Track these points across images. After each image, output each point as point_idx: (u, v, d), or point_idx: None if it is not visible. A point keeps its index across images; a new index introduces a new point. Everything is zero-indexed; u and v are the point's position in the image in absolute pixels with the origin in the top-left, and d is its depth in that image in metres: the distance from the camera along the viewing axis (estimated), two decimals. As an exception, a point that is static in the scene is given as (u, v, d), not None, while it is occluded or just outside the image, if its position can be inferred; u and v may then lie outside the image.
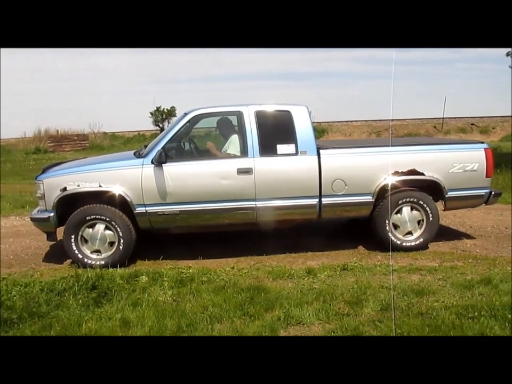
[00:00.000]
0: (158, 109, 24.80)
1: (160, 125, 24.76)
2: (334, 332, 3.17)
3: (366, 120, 25.78)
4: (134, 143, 22.71)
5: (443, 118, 23.81)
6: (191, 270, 4.44)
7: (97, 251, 4.72)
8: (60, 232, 4.83)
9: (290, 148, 4.83)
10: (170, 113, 24.94)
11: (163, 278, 4.23)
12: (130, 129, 27.02)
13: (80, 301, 3.69)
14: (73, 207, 4.68)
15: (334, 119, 25.98)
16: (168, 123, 24.36)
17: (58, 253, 5.11)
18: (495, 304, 3.40)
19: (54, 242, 5.07)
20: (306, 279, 4.23)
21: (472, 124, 23.96)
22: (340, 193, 4.87)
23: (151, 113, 24.91)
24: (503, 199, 7.07)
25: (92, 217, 4.65)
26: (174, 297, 3.81)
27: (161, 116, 24.87)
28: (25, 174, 13.06)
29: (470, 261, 4.65)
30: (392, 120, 23.73)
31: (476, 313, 3.28)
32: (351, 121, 26.26)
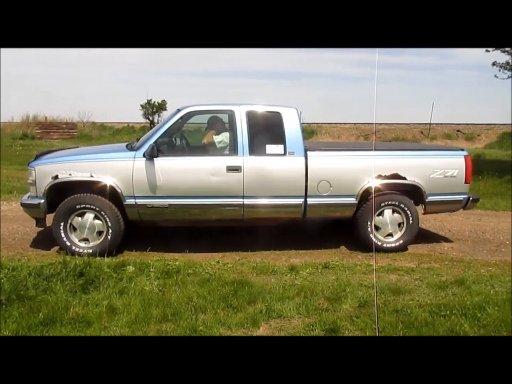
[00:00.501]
0: (148, 101, 24.67)
1: (150, 118, 24.65)
2: (312, 326, 3.30)
3: (354, 123, 26.04)
4: (123, 135, 22.64)
5: (430, 124, 24.17)
6: (177, 263, 4.55)
7: (85, 239, 4.80)
8: (49, 218, 4.90)
9: (279, 148, 4.97)
10: (161, 106, 24.83)
11: (150, 268, 4.33)
12: (120, 121, 26.90)
13: (68, 287, 3.78)
14: (63, 195, 4.75)
15: (323, 120, 26.19)
16: (159, 116, 24.28)
17: (45, 240, 5.17)
18: (466, 304, 3.58)
19: (43, 228, 5.13)
20: (288, 275, 4.36)
21: (458, 131, 24.36)
22: (324, 194, 5.02)
23: (141, 106, 24.77)
24: (481, 204, 7.33)
25: (82, 206, 4.73)
26: (160, 288, 3.92)
27: (152, 109, 24.74)
28: (12, 159, 12.99)
29: (446, 263, 4.85)
30: (378, 124, 24.05)
31: (448, 312, 3.46)
32: (340, 123, 26.50)
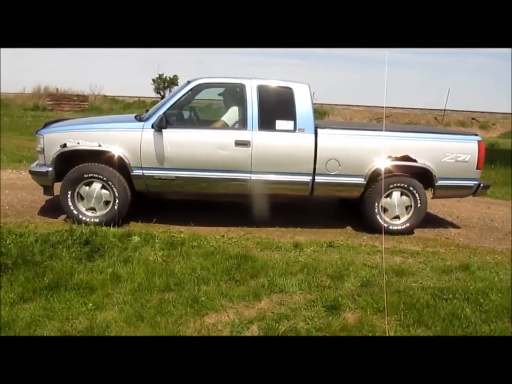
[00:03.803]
0: (160, 76, 24.58)
1: (162, 93, 24.56)
2: (314, 302, 3.32)
3: (368, 106, 25.72)
4: (134, 109, 22.54)
5: (444, 110, 23.82)
6: (182, 235, 4.57)
7: (92, 209, 4.82)
8: (57, 187, 4.93)
9: (289, 124, 4.91)
10: (173, 81, 24.75)
11: (155, 239, 4.35)
12: (131, 95, 26.81)
13: (73, 254, 3.81)
14: (71, 163, 4.76)
15: (336, 102, 25.89)
16: (170, 91, 24.14)
17: (53, 208, 5.21)
18: (469, 289, 3.57)
19: (51, 196, 5.16)
20: (293, 252, 4.37)
21: (472, 118, 24.00)
22: (333, 173, 4.97)
23: (153, 80, 24.71)
24: (492, 193, 7.26)
25: (90, 175, 4.74)
26: (164, 258, 3.95)
27: (164, 83, 24.66)
28: (23, 129, 13.03)
29: (452, 248, 4.82)
30: (391, 108, 23.73)
31: (450, 296, 3.45)
32: (353, 105, 26.19)
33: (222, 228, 5.02)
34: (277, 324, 2.97)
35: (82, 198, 4.80)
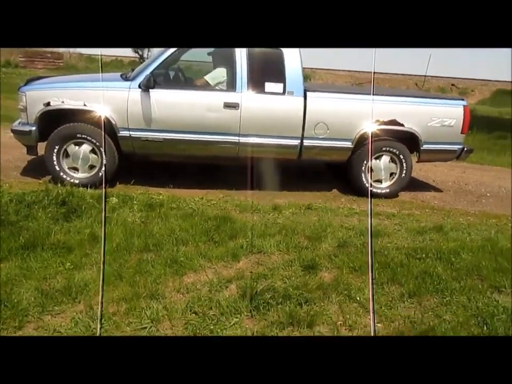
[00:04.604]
0: (138, 35, 23.73)
1: (140, 52, 23.82)
2: (291, 262, 3.38)
3: (349, 70, 25.54)
4: (111, 68, 21.87)
5: (425, 76, 23.82)
6: (161, 197, 4.54)
7: (78, 169, 4.75)
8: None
9: (278, 87, 4.86)
10: (151, 40, 23.93)
11: (133, 201, 4.31)
12: (108, 54, 25.92)
13: (50, 214, 3.76)
14: (55, 123, 4.63)
15: (317, 66, 25.60)
16: (148, 51, 23.44)
17: (28, 169, 5.10)
18: (442, 249, 3.68)
19: (34, 156, 5.02)
20: (271, 214, 4.40)
21: (452, 85, 24.16)
22: (321, 137, 4.98)
23: (130, 39, 23.84)
24: (468, 158, 7.37)
25: (76, 135, 4.63)
26: (143, 219, 3.93)
27: (141, 42, 23.86)
28: (-6, 87, 12.52)
29: (427, 210, 4.94)
30: (374, 72, 23.60)
31: (424, 255, 3.55)
32: (335, 69, 25.96)
33: (201, 190, 5.01)
34: (255, 283, 3.01)
35: (68, 158, 4.70)
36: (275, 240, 3.72)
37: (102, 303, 2.67)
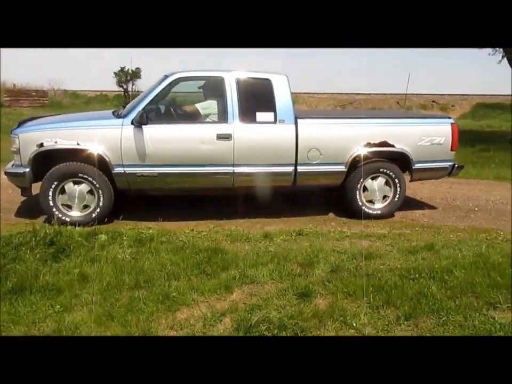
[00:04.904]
0: (122, 69, 23.92)
1: (124, 86, 23.94)
2: (285, 291, 3.35)
3: (332, 93, 25.97)
4: (96, 103, 22.04)
5: (406, 94, 24.26)
6: (150, 231, 4.50)
7: (77, 208, 4.74)
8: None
9: (269, 116, 4.95)
10: (135, 74, 24.12)
11: (122, 237, 4.27)
12: (92, 89, 26.11)
13: (38, 255, 3.70)
14: (49, 163, 4.63)
15: (300, 90, 25.99)
16: (133, 85, 23.63)
17: (14, 209, 5.05)
18: (434, 267, 3.67)
19: (27, 197, 5.01)
20: (262, 242, 4.38)
21: (433, 101, 24.63)
22: (314, 162, 5.04)
23: (115, 73, 24.00)
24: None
25: (71, 175, 4.64)
26: (133, 255, 3.89)
27: (126, 76, 24.01)
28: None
29: (417, 229, 4.95)
30: (354, 94, 24.09)
31: (417, 275, 3.54)
32: (317, 93, 26.38)
33: (191, 221, 4.98)
34: (249, 315, 2.97)
35: (64, 196, 4.69)
36: (267, 269, 3.69)
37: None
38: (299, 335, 2.79)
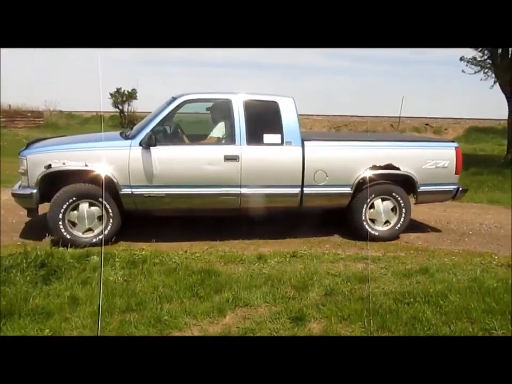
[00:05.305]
0: (118, 90, 24.09)
1: (120, 107, 24.07)
2: (279, 314, 3.30)
3: (326, 115, 26.22)
4: (92, 124, 22.11)
5: (399, 117, 24.56)
6: (143, 252, 4.47)
7: (88, 230, 4.72)
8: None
9: (276, 138, 5.01)
10: (131, 95, 24.29)
11: (115, 258, 4.24)
12: (88, 109, 26.18)
13: (28, 278, 3.65)
14: (56, 184, 4.63)
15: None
16: (129, 105, 23.77)
17: (4, 231, 4.99)
18: (429, 291, 3.65)
19: (33, 218, 4.99)
20: (256, 264, 4.35)
21: (426, 124, 24.85)
22: (321, 184, 5.07)
23: (110, 95, 24.16)
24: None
25: (80, 195, 4.63)
26: (125, 277, 3.84)
27: (122, 97, 24.17)
28: (-26, 148, 12.46)
29: (411, 252, 4.93)
30: (349, 116, 24.33)
31: (412, 299, 3.52)
32: (312, 114, 26.61)
33: (184, 242, 4.95)
34: (242, 339, 2.92)
35: (73, 223, 4.68)
36: (261, 291, 3.66)
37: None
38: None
